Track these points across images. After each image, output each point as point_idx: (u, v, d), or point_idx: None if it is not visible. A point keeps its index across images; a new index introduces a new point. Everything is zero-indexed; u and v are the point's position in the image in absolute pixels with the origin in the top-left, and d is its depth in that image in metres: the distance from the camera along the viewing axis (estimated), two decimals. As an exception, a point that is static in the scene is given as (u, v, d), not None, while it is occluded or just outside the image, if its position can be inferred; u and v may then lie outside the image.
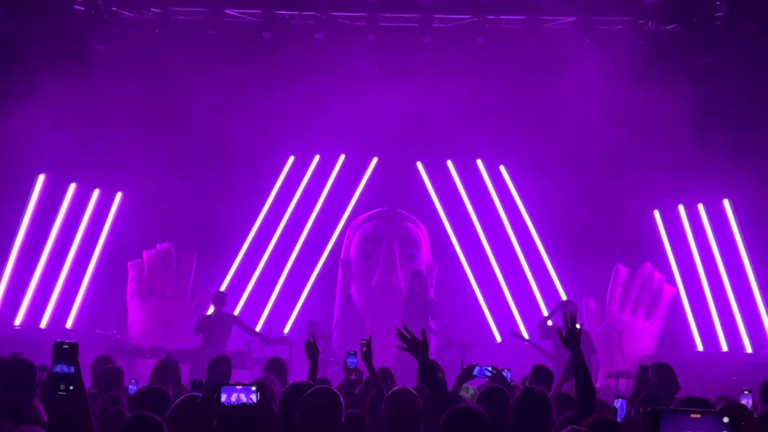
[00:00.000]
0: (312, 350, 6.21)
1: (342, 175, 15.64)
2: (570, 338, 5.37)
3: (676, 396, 6.73)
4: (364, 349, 6.22)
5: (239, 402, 4.05)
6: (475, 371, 6.87)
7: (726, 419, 2.70)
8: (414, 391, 5.16)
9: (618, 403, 6.22)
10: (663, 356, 11.53)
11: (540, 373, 7.39)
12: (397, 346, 5.59)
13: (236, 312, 14.25)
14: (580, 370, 5.35)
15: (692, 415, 2.69)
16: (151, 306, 13.78)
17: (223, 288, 14.31)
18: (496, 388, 5.74)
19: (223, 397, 4.04)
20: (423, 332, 5.59)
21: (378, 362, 6.24)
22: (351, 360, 7.71)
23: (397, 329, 5.58)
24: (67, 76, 13.33)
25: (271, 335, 12.70)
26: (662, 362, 7.38)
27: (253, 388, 4.07)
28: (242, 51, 14.26)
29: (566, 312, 5.84)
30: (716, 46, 13.83)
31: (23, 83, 12.28)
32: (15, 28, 12.93)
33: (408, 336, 5.52)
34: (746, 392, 4.72)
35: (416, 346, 5.54)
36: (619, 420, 5.81)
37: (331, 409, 4.54)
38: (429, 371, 5.53)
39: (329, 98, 14.26)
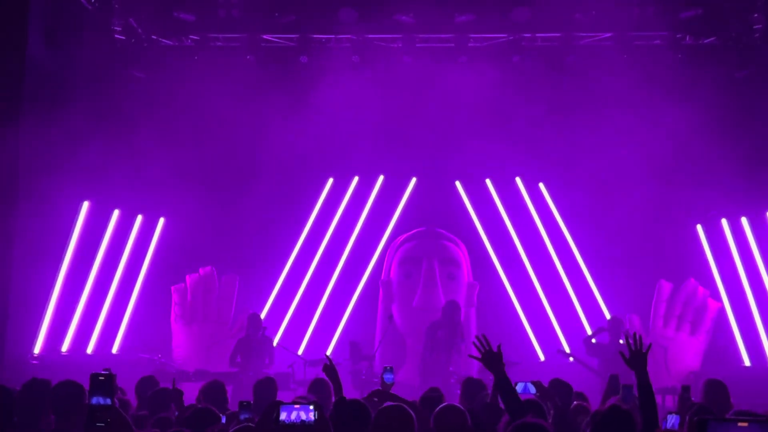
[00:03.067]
0: (331, 372, 6.36)
1: (381, 196, 15.68)
2: (634, 359, 5.30)
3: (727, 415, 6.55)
4: None
5: (298, 420, 4.10)
6: (519, 388, 6.84)
7: (774, 427, 2.69)
8: (462, 408, 5.16)
9: (670, 419, 6.15)
10: (709, 372, 11.38)
11: (558, 387, 7.25)
12: (470, 356, 5.48)
13: (279, 333, 14.41)
14: (644, 389, 5.24)
15: (739, 424, 2.68)
16: (195, 330, 13.89)
17: (265, 310, 14.41)
18: (535, 403, 5.72)
19: (282, 416, 4.10)
20: (499, 347, 5.43)
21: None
22: (388, 376, 7.68)
23: (477, 338, 5.45)
24: (107, 104, 13.55)
25: (309, 358, 12.70)
26: (715, 379, 7.22)
27: (311, 407, 4.13)
28: (280, 75, 14.40)
29: (622, 331, 5.80)
30: (755, 59, 13.76)
31: (64, 112, 12.41)
32: (55, 57, 13.12)
33: (484, 347, 5.40)
34: None
35: (491, 358, 5.39)
36: None
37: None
38: (506, 384, 5.36)
39: (367, 119, 14.33)
